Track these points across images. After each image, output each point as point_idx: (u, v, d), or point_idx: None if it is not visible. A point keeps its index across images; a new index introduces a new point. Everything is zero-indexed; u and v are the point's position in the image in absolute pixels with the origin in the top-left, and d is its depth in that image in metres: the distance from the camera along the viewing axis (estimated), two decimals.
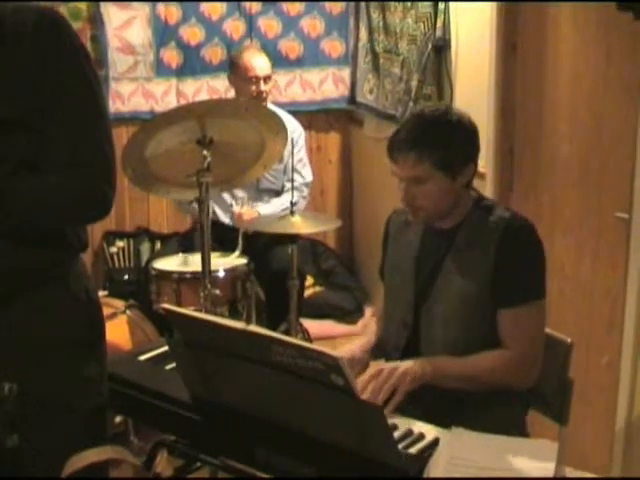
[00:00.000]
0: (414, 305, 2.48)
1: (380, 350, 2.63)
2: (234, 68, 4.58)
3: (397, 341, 2.51)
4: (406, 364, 2.28)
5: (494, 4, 3.76)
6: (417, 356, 2.39)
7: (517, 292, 2.35)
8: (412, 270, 2.51)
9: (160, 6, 5.41)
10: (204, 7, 5.50)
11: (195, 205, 3.26)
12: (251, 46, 4.74)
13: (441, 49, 4.23)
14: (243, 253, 4.16)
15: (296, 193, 4.22)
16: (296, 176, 4.59)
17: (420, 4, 4.31)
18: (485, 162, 3.91)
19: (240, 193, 4.67)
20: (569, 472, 1.91)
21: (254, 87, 4.46)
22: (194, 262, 3.96)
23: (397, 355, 2.48)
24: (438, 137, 2.36)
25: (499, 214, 2.40)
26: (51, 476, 1.83)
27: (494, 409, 2.34)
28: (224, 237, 4.31)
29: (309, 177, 4.79)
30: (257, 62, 4.49)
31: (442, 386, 2.31)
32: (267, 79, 4.50)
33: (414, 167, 2.35)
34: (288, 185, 4.60)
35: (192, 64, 5.55)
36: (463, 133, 2.41)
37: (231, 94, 4.98)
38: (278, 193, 4.72)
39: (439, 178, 2.36)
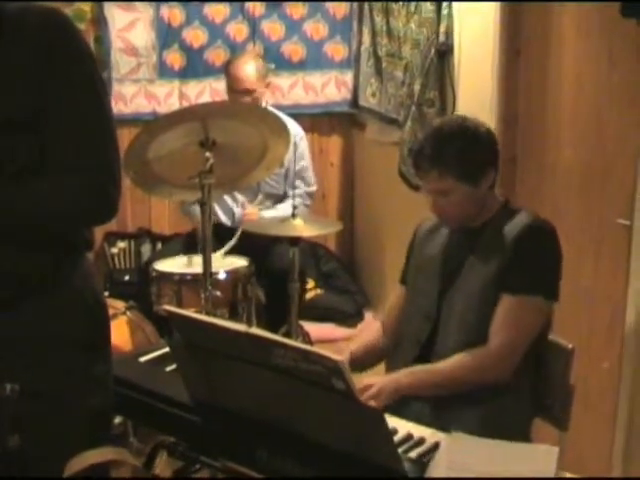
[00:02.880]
0: (437, 299, 2.53)
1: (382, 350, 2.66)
2: (225, 76, 4.63)
3: (419, 335, 2.54)
4: (380, 381, 2.39)
5: (498, 10, 3.75)
6: (435, 347, 2.47)
7: (524, 281, 2.39)
8: (437, 267, 2.57)
9: (164, 8, 5.42)
10: (207, 10, 5.51)
11: (196, 208, 3.27)
12: (243, 55, 4.71)
13: (444, 54, 4.22)
14: (243, 253, 4.15)
15: (299, 201, 4.23)
16: (300, 183, 4.61)
17: (424, 9, 4.30)
18: None
19: (240, 197, 4.67)
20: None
21: (240, 98, 4.48)
22: (195, 264, 3.96)
23: (416, 349, 2.52)
24: (457, 151, 2.43)
25: (522, 217, 2.47)
26: (53, 477, 1.82)
27: (498, 414, 2.34)
28: (225, 239, 4.30)
29: (313, 186, 4.80)
30: (243, 74, 4.49)
31: (422, 396, 2.37)
32: (252, 92, 4.49)
33: (438, 182, 2.44)
34: (291, 192, 4.61)
35: (195, 66, 5.56)
36: (481, 143, 2.48)
37: None
38: (279, 198, 4.72)
39: (463, 188, 2.44)
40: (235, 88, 4.52)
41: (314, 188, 4.80)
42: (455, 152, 2.43)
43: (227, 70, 4.63)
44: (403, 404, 2.35)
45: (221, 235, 4.21)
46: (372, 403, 2.26)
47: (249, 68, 4.50)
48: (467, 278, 2.48)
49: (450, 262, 2.55)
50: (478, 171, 2.45)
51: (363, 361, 2.67)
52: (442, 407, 2.35)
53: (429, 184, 2.48)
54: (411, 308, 2.63)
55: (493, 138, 2.53)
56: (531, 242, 2.41)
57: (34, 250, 1.99)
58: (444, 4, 4.14)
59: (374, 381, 2.39)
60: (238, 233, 4.17)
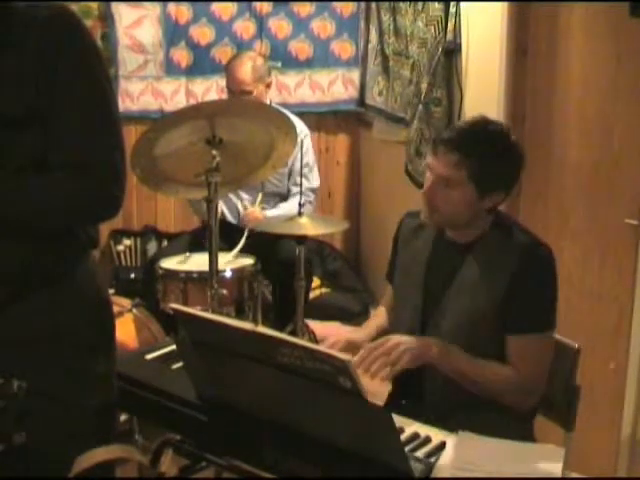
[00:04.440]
0: (422, 313, 2.48)
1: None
2: (225, 74, 4.65)
3: None
4: (410, 341, 2.28)
5: (505, 9, 3.75)
6: (424, 369, 2.39)
7: (528, 321, 2.34)
8: (422, 277, 2.50)
9: (171, 5, 5.42)
10: (215, 7, 5.51)
11: (203, 206, 3.25)
12: (240, 56, 4.70)
13: (451, 53, 4.22)
14: (249, 251, 4.16)
15: (302, 197, 4.22)
16: (303, 180, 4.59)
17: (431, 7, 4.30)
18: None
19: (245, 195, 4.68)
20: None
21: (235, 97, 4.50)
22: (201, 261, 3.96)
23: None
24: (487, 149, 2.33)
25: (519, 238, 2.38)
26: (58, 473, 1.83)
27: (500, 414, 2.33)
28: (231, 237, 4.31)
29: (316, 182, 4.79)
30: (239, 75, 4.49)
31: (442, 371, 2.31)
32: (249, 93, 4.49)
33: (451, 168, 2.32)
34: (294, 189, 4.62)
35: (202, 64, 5.56)
36: (512, 157, 2.38)
37: None
38: (283, 196, 4.72)
39: (468, 189, 2.33)
40: (231, 88, 4.54)
41: (316, 185, 4.79)
42: (484, 148, 2.33)
43: (225, 70, 4.65)
44: (401, 405, 2.33)
45: (227, 233, 4.22)
46: (398, 365, 2.21)
47: (245, 69, 4.49)
48: (455, 299, 2.40)
49: (435, 276, 2.48)
50: (492, 184, 2.35)
51: None
52: (444, 409, 2.32)
53: (440, 167, 2.33)
54: (396, 318, 2.60)
55: (523, 161, 2.41)
56: (533, 274, 2.33)
57: (37, 247, 1.99)
58: (452, 3, 4.14)
59: (400, 340, 2.27)
60: (246, 234, 4.18)
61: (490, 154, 2.33)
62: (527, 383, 2.34)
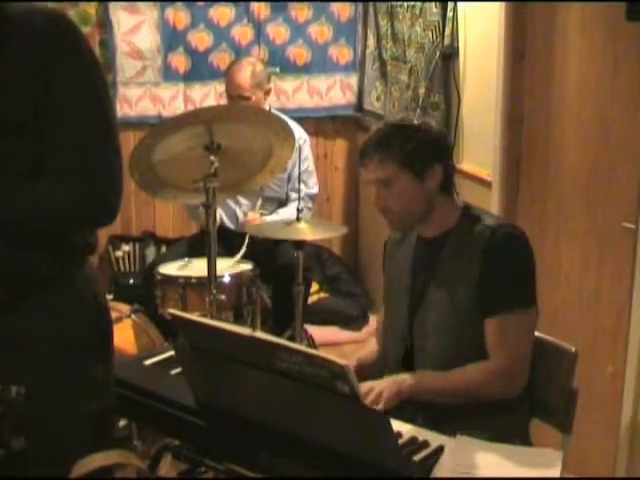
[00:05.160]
0: (409, 317, 2.50)
1: (381, 364, 2.66)
2: (224, 79, 4.65)
3: (396, 354, 2.54)
4: (382, 383, 2.33)
5: (502, 13, 3.76)
6: (414, 365, 2.44)
7: (502, 300, 2.35)
8: (407, 283, 2.54)
9: (169, 11, 5.42)
10: (213, 13, 5.52)
11: (201, 212, 3.23)
12: (240, 61, 4.70)
13: (449, 57, 4.23)
14: (248, 257, 4.16)
15: (302, 203, 4.22)
16: (301, 186, 4.59)
17: (429, 12, 4.31)
18: (491, 170, 3.91)
19: (244, 201, 4.68)
20: None
21: (234, 102, 4.50)
22: (199, 267, 3.96)
23: (397, 367, 2.50)
24: (401, 138, 2.41)
25: (486, 223, 2.42)
26: (56, 478, 1.83)
27: (496, 418, 2.33)
28: (229, 242, 4.31)
29: (314, 189, 4.79)
30: (237, 81, 4.49)
31: (427, 401, 2.33)
32: (247, 98, 4.49)
33: (380, 168, 2.41)
34: (293, 195, 4.61)
35: (200, 69, 5.57)
36: (426, 134, 2.45)
37: None
38: (282, 202, 4.72)
39: (406, 178, 2.40)
40: (230, 94, 4.54)
41: (315, 191, 4.80)
42: (398, 139, 2.40)
43: (225, 75, 4.65)
44: (397, 409, 2.33)
45: (225, 239, 4.22)
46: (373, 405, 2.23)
47: (244, 75, 4.49)
48: (435, 295, 2.43)
49: (417, 277, 2.51)
50: (422, 162, 2.40)
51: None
52: (437, 415, 2.32)
53: (371, 173, 2.44)
54: (388, 325, 2.62)
55: (442, 135, 2.53)
56: (499, 253, 2.35)
57: (35, 253, 1.99)
58: (449, 7, 4.15)
59: (373, 385, 2.33)
60: (246, 241, 4.18)
61: (405, 138, 2.41)
62: (509, 367, 2.35)
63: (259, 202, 4.63)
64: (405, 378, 2.35)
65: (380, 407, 2.23)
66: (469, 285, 2.36)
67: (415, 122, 2.49)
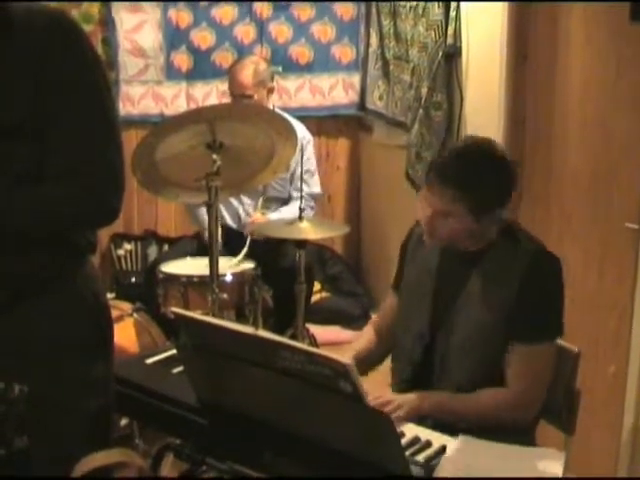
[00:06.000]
0: (430, 323, 2.46)
1: (380, 353, 2.65)
2: (227, 78, 4.65)
3: (412, 355, 2.50)
4: (403, 397, 2.31)
5: (505, 13, 3.75)
6: (429, 374, 2.41)
7: (535, 329, 2.33)
8: (431, 286, 2.49)
9: (171, 10, 5.43)
10: (215, 12, 5.52)
11: (200, 213, 3.20)
12: (243, 60, 4.69)
13: (452, 57, 4.23)
14: (250, 256, 4.16)
15: (304, 203, 4.21)
16: (304, 186, 4.60)
17: (431, 12, 4.31)
18: None
19: (246, 199, 4.68)
20: None
21: (236, 101, 4.50)
22: (201, 266, 3.96)
23: (409, 369, 2.49)
24: (481, 180, 2.33)
25: (526, 246, 2.37)
26: (57, 477, 1.83)
27: (508, 431, 2.31)
28: (230, 241, 4.31)
29: (317, 189, 4.79)
30: (240, 79, 4.49)
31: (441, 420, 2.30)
32: (250, 97, 4.49)
33: (447, 203, 2.32)
34: (295, 194, 4.61)
35: (202, 68, 5.57)
36: (504, 177, 2.38)
37: None
38: (284, 201, 4.72)
39: (467, 220, 2.34)
40: (232, 92, 4.54)
41: (318, 191, 4.80)
42: (481, 182, 2.32)
43: (228, 73, 4.66)
44: None
45: (227, 238, 4.22)
46: (393, 417, 2.18)
47: (246, 73, 4.49)
48: (466, 308, 2.40)
49: (445, 285, 2.47)
50: (490, 207, 2.35)
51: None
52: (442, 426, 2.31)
53: (436, 202, 2.34)
54: (403, 324, 2.58)
55: (516, 174, 2.42)
56: (540, 282, 2.32)
57: (35, 252, 1.99)
58: (452, 7, 4.14)
59: (395, 397, 2.31)
60: (248, 240, 4.18)
61: (485, 184, 2.33)
62: (525, 396, 2.33)
63: (260, 201, 4.63)
64: (424, 397, 2.32)
65: (399, 417, 2.20)
66: (502, 308, 2.32)
67: (496, 155, 2.38)
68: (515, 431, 2.29)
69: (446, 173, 2.33)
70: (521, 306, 2.30)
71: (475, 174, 2.33)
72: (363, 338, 2.73)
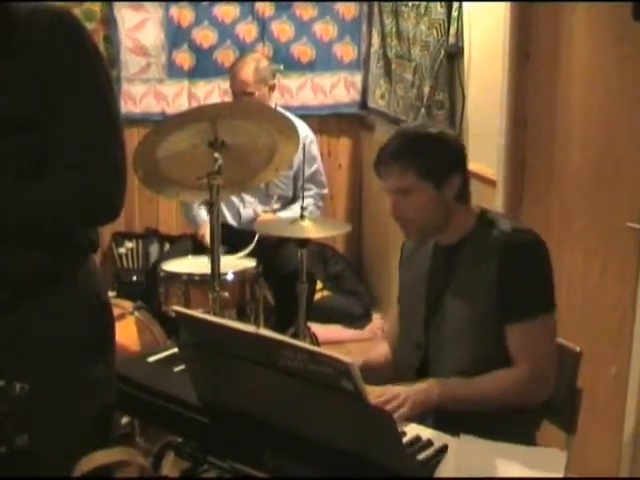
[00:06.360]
0: (425, 325, 2.47)
1: (392, 368, 2.64)
2: (229, 76, 4.66)
3: (410, 361, 2.50)
4: (409, 390, 2.28)
5: (508, 12, 3.75)
6: (429, 376, 2.39)
7: (522, 306, 2.32)
8: (423, 290, 2.50)
9: (173, 8, 5.43)
10: (217, 10, 5.53)
11: (197, 214, 3.18)
12: (244, 57, 4.70)
13: (454, 56, 4.22)
14: (252, 254, 4.16)
15: (312, 201, 4.22)
16: (312, 186, 4.61)
17: (433, 11, 4.30)
18: (496, 171, 3.90)
19: (248, 198, 4.68)
20: None
21: (239, 100, 4.51)
22: (202, 264, 3.96)
23: (411, 375, 2.47)
24: (420, 147, 2.39)
25: (501, 228, 2.39)
26: (59, 476, 1.83)
27: (511, 426, 2.30)
28: (231, 239, 4.31)
29: (325, 189, 4.81)
30: (241, 77, 4.51)
31: (452, 409, 2.29)
32: (251, 94, 4.49)
33: (399, 178, 2.37)
34: (306, 193, 4.61)
35: (204, 66, 5.57)
36: (445, 143, 2.43)
37: None
38: (287, 200, 4.72)
39: (425, 188, 2.36)
40: (234, 90, 4.55)
41: (326, 191, 4.82)
42: (417, 147, 2.37)
43: (229, 71, 4.67)
44: None
45: (228, 236, 4.22)
46: (398, 414, 2.16)
47: (247, 70, 4.50)
48: (452, 303, 2.40)
49: (434, 285, 2.48)
50: (441, 172, 2.37)
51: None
52: (448, 419, 2.29)
53: (390, 181, 2.40)
54: (401, 333, 2.59)
55: (460, 144, 2.49)
56: (517, 260, 2.32)
57: (36, 250, 1.98)
58: (454, 6, 4.14)
59: (399, 391, 2.28)
60: (256, 238, 4.18)
61: (423, 147, 2.39)
62: (538, 373, 2.31)
63: (273, 201, 4.63)
64: (432, 387, 2.30)
65: (403, 413, 2.19)
66: (486, 292, 2.33)
67: (432, 130, 2.46)
68: (517, 432, 2.28)
69: (388, 153, 2.41)
70: (504, 286, 2.31)
71: (415, 143, 2.40)
72: (375, 351, 2.73)
